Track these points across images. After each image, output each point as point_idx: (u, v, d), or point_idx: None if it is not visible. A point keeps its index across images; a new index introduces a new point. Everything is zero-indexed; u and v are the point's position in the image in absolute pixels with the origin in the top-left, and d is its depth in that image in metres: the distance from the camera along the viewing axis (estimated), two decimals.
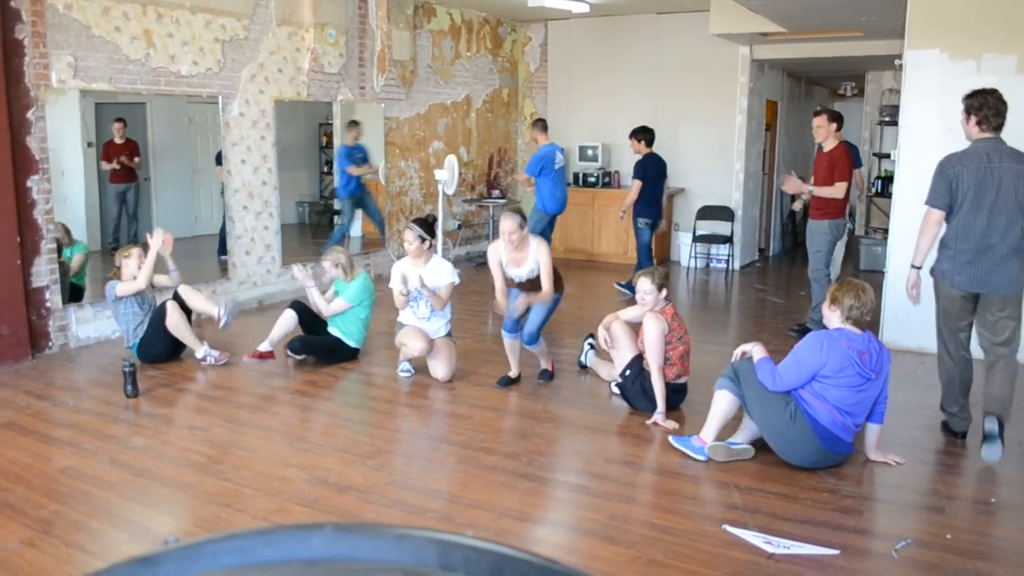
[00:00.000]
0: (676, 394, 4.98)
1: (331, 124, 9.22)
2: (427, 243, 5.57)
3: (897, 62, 6.42)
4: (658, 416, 4.75)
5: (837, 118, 6.63)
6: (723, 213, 10.03)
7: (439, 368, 5.53)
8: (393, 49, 9.01)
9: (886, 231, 6.32)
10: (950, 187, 4.27)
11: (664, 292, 4.90)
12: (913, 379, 5.76)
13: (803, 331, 6.39)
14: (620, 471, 4.18)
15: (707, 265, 10.36)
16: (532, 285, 5.26)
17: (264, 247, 7.88)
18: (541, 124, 8.90)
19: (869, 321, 4.08)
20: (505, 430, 4.71)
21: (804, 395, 4.01)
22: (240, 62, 7.35)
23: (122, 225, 7.55)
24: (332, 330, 5.94)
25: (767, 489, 3.89)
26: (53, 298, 6.09)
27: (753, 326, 7.45)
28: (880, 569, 3.20)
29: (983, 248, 4.24)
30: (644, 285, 4.86)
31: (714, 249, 10.27)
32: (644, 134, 8.31)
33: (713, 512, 3.65)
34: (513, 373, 5.55)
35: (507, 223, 5.11)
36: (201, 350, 5.79)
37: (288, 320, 5.88)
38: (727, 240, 9.97)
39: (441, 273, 5.58)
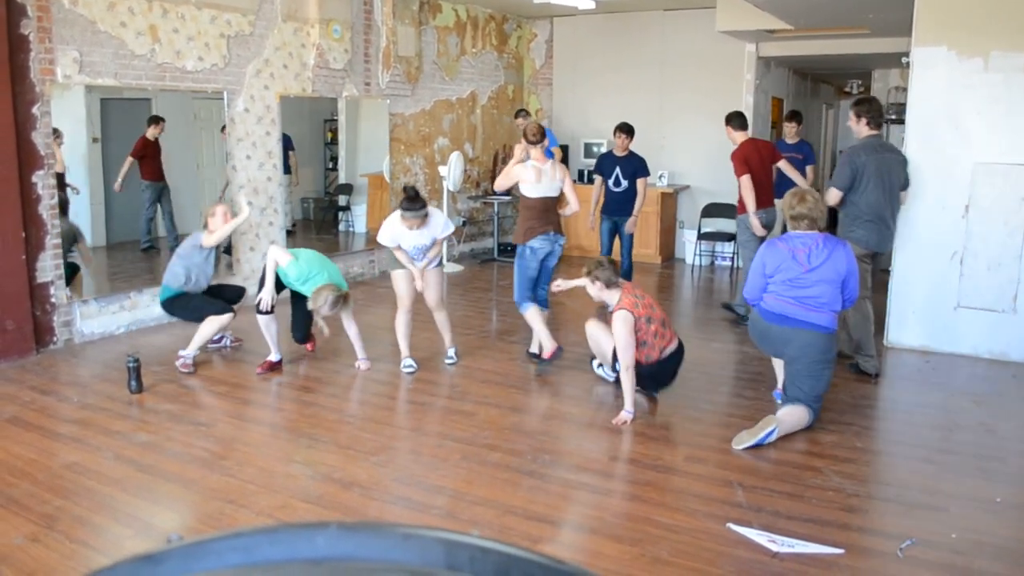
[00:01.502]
0: (667, 364, 4.99)
1: (336, 120, 9.23)
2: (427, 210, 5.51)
3: (904, 60, 6.40)
4: (627, 415, 4.73)
5: (731, 120, 7.07)
6: (728, 210, 9.99)
7: (430, 294, 5.69)
8: (398, 45, 9.00)
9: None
10: (855, 174, 5.56)
11: (598, 282, 4.90)
12: (917, 378, 5.75)
13: (727, 308, 7.52)
14: (624, 469, 4.17)
15: (712, 263, 10.34)
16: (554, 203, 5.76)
17: (269, 243, 7.87)
18: (524, 113, 9.68)
19: (816, 221, 4.56)
20: (509, 427, 4.70)
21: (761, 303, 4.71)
22: (245, 58, 7.35)
23: (156, 222, 7.63)
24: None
25: (772, 488, 3.88)
26: (58, 293, 6.10)
27: None
28: (885, 568, 3.19)
29: (881, 218, 5.66)
30: (589, 290, 4.99)
31: (719, 247, 10.25)
32: (631, 130, 7.76)
33: (717, 510, 3.64)
34: (547, 351, 5.70)
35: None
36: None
37: (271, 326, 5.64)
38: (732, 238, 9.94)
39: (439, 228, 5.61)
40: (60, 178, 6.20)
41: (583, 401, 5.22)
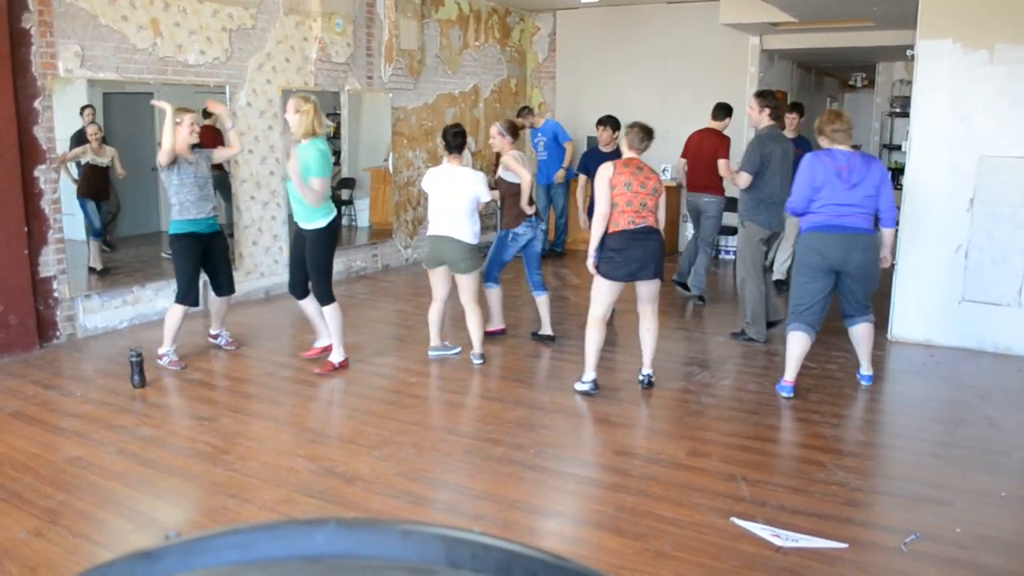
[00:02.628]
0: (649, 238, 4.90)
1: (338, 114, 9.20)
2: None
3: (909, 52, 6.37)
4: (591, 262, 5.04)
5: (713, 109, 7.59)
6: (731, 204, 9.96)
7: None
8: (401, 39, 8.98)
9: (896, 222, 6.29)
10: (764, 160, 6.01)
11: (627, 137, 5.06)
12: (923, 372, 5.74)
13: (680, 285, 7.80)
14: (628, 463, 4.16)
15: (716, 256, 10.31)
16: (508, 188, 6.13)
17: (271, 237, 7.87)
18: (527, 111, 10.02)
19: (851, 135, 5.01)
20: (512, 421, 4.69)
21: (804, 224, 5.08)
22: (247, 51, 7.33)
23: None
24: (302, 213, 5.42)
25: (775, 482, 3.87)
26: (61, 288, 6.10)
27: None
28: (889, 563, 3.18)
29: (779, 202, 5.98)
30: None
31: (722, 240, 10.22)
32: (617, 123, 7.17)
33: (721, 505, 3.63)
34: (495, 326, 6.32)
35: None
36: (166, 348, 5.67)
37: (313, 310, 5.66)
38: (735, 231, 9.90)
39: None
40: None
41: (586, 396, 5.21)
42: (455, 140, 5.62)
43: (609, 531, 3.41)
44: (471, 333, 5.71)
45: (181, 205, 5.48)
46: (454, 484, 3.90)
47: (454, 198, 5.53)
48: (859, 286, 4.99)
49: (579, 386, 5.11)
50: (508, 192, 6.12)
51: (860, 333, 5.18)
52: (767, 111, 6.06)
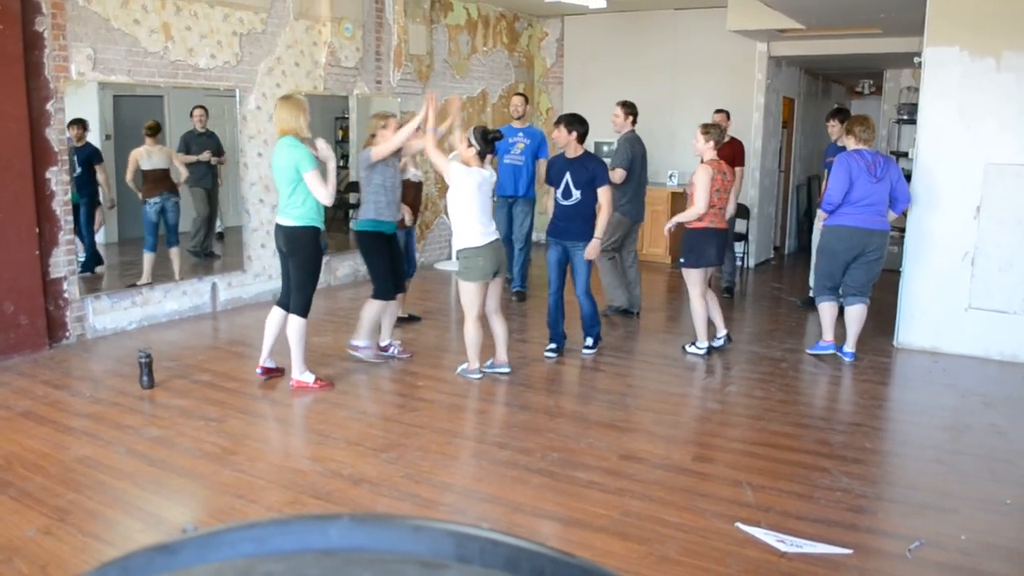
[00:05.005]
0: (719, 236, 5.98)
1: (347, 118, 9.24)
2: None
3: (916, 60, 6.38)
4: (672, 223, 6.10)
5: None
6: (738, 210, 9.96)
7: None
8: (409, 43, 9.02)
9: (902, 230, 6.30)
10: (632, 159, 6.84)
11: (711, 140, 5.89)
12: (927, 379, 5.74)
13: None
14: (633, 467, 4.17)
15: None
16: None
17: None
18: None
19: (872, 141, 5.94)
20: (518, 425, 4.71)
21: (830, 219, 5.99)
22: (257, 56, 7.38)
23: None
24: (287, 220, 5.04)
25: (780, 488, 3.88)
26: (71, 289, 6.14)
27: (768, 324, 7.43)
28: (893, 569, 3.19)
29: (642, 196, 7.23)
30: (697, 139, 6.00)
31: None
32: (581, 124, 5.86)
33: (726, 510, 3.64)
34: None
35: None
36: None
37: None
38: (742, 238, 9.90)
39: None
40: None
41: (592, 400, 5.23)
42: (490, 145, 5.41)
43: (614, 535, 3.43)
44: (502, 340, 5.53)
45: (376, 205, 5.52)
46: (460, 487, 3.92)
47: (490, 202, 5.47)
48: (865, 274, 5.91)
49: (692, 349, 6.09)
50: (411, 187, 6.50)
51: (855, 313, 5.96)
52: (631, 117, 7.02)
